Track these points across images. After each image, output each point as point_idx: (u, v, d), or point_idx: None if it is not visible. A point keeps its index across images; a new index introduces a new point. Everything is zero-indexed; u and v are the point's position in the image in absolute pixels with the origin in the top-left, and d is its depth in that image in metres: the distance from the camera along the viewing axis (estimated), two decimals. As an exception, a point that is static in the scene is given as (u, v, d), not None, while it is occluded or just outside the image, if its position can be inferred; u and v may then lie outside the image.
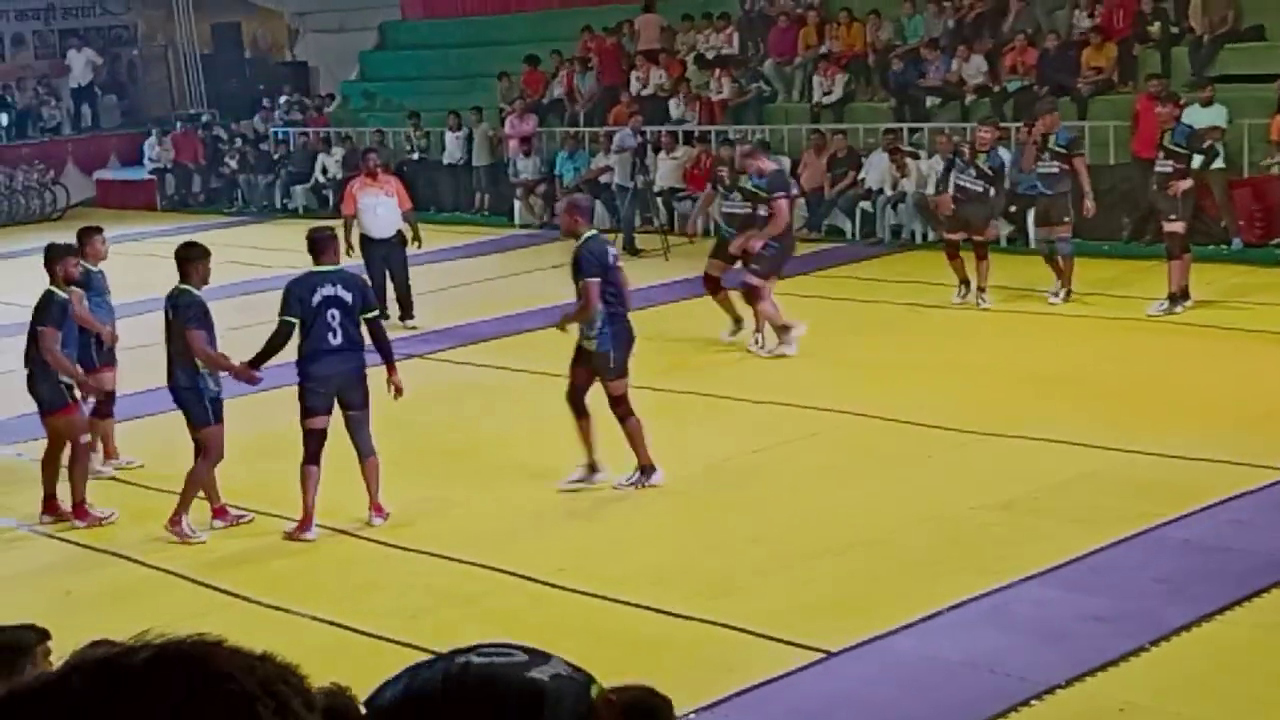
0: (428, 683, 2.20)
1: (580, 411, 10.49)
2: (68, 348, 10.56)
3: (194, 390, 9.99)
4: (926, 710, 7.18)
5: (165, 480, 11.07)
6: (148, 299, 18.43)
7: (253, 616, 8.77)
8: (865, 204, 20.45)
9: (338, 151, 26.29)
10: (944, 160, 16.86)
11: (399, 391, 10.12)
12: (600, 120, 24.11)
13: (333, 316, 9.81)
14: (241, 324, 13.72)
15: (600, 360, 10.38)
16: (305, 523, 9.96)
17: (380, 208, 16.33)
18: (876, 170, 20.44)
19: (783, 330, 14.17)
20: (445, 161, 25.28)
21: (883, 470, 10.68)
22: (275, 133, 28.83)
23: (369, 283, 11.69)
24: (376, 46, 30.31)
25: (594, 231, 10.70)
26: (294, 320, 9.86)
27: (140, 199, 29.48)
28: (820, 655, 7.70)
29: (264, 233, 25.02)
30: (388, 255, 16.32)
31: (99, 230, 11.96)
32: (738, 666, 7.67)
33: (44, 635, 5.24)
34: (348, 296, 9.90)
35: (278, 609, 8.88)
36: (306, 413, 9.96)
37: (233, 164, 28.68)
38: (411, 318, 16.54)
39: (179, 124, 30.05)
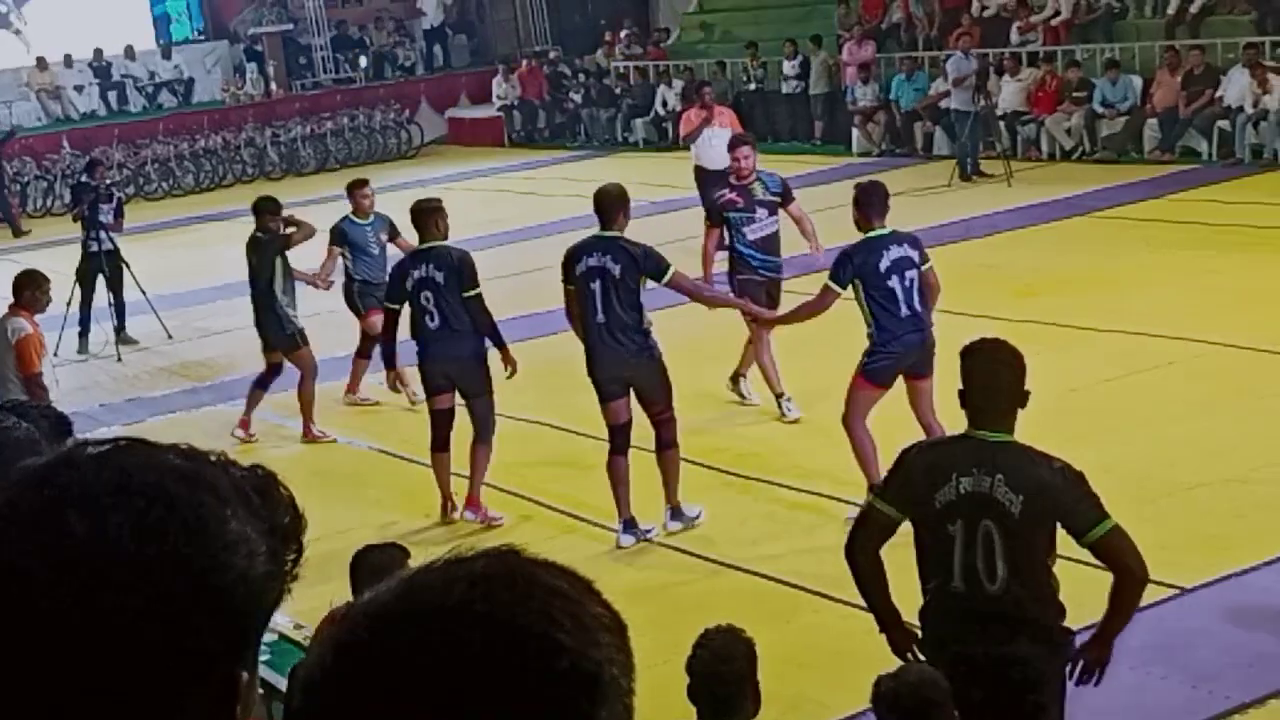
0: None
1: None
2: None
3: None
4: (1289, 650, 6.87)
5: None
6: (498, 234, 19.11)
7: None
8: (1223, 123, 19.48)
9: (677, 84, 26.50)
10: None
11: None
12: (940, 44, 23.62)
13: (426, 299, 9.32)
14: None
15: None
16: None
17: (715, 139, 16.49)
18: (1236, 87, 19.43)
19: None
20: (783, 91, 25.21)
21: (1242, 402, 10.20)
22: (616, 67, 29.28)
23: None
24: (715, -23, 30.37)
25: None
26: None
27: (489, 135, 30.43)
28: (1174, 591, 7.45)
29: (606, 165, 25.49)
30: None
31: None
32: (1087, 601, 7.46)
33: (406, 554, 5.64)
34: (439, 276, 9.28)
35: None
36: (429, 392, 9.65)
37: (576, 99, 29.27)
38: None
39: (525, 62, 30.81)
